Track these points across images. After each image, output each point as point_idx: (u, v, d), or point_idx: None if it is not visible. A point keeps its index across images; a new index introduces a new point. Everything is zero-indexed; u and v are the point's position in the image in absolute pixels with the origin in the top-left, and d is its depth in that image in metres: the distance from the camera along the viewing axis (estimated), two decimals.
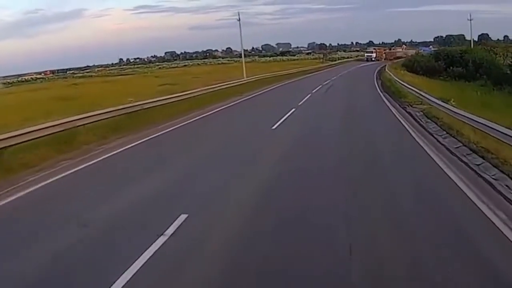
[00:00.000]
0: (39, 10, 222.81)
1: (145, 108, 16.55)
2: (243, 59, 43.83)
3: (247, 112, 19.44)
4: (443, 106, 13.34)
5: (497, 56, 44.18)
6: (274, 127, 13.54)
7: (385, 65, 53.60)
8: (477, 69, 39.92)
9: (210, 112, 18.57)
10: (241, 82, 33.26)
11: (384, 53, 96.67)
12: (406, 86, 22.28)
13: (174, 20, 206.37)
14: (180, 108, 18.48)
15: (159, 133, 13.51)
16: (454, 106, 12.81)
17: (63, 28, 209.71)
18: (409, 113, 15.51)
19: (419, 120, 13.85)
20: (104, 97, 26.33)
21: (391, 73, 36.28)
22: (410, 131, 12.04)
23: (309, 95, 24.15)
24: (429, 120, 13.43)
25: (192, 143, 12.17)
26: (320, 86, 30.77)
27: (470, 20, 55.30)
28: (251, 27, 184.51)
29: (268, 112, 17.59)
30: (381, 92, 25.27)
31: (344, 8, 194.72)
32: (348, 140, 11.20)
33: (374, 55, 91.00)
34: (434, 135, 11.11)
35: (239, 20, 42.50)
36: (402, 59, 67.95)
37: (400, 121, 14.02)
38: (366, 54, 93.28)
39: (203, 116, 17.44)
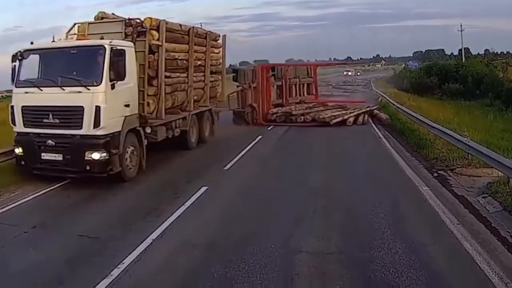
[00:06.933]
0: (18, 28, 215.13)
1: None
2: None
3: None
4: None
5: (497, 70, 38.78)
6: None
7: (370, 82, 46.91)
8: (478, 85, 34.34)
9: None
10: None
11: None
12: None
13: None
14: None
15: None
16: None
17: None
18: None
19: None
20: None
21: (390, 98, 26.78)
22: None
23: None
24: None
25: None
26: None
27: (461, 31, 50.50)
28: (227, 45, 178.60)
29: None
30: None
31: (320, 24, 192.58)
32: None
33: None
34: None
35: None
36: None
37: None
38: None
39: None
